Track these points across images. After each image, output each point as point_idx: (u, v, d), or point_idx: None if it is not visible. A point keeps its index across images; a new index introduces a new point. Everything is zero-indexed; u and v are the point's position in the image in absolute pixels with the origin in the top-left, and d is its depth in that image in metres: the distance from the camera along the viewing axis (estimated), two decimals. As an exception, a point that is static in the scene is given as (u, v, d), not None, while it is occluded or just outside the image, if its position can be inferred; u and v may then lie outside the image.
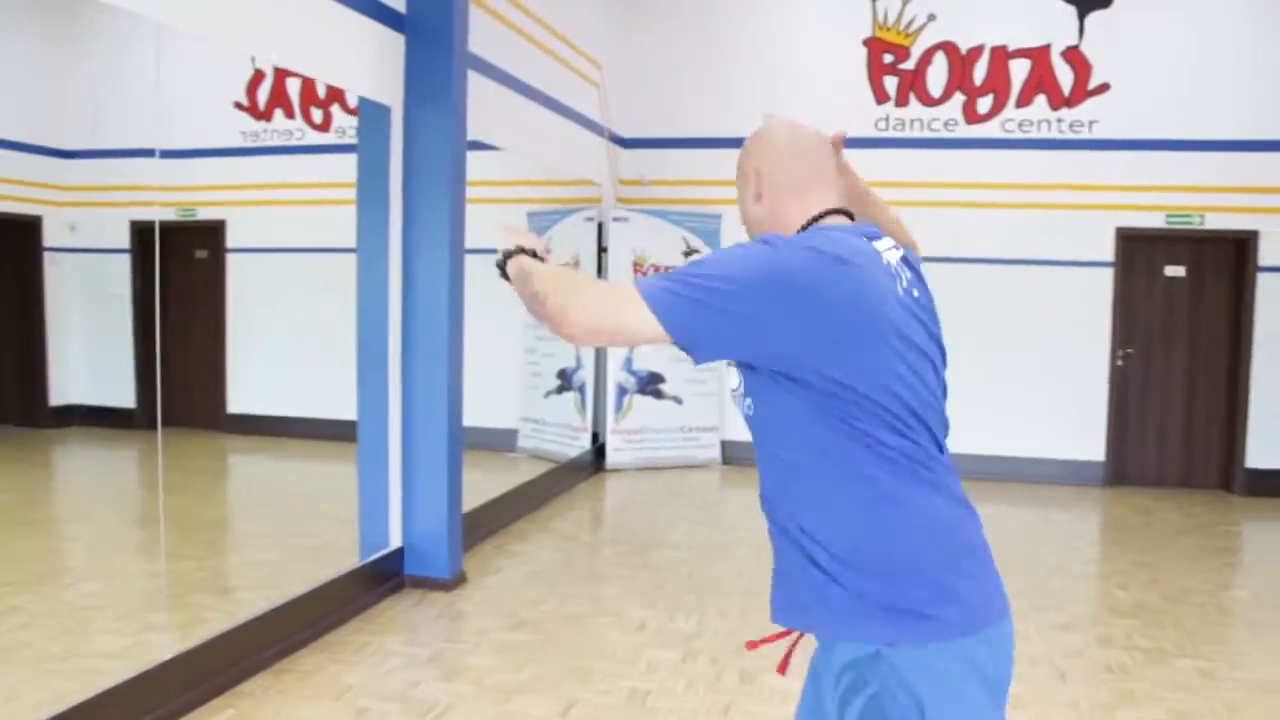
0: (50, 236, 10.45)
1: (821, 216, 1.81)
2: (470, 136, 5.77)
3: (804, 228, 1.80)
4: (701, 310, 1.56)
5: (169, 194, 10.20)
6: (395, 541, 5.43)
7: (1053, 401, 8.80)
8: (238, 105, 9.74)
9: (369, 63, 5.12)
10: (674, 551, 6.37)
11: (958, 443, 2.02)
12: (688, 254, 9.10)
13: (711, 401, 9.20)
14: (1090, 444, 8.79)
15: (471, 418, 8.59)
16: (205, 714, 3.73)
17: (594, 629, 4.85)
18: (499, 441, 9.32)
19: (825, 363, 1.58)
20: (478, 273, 9.27)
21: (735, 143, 8.00)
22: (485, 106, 6.16)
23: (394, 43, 5.26)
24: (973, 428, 8.38)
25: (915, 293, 1.77)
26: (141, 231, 10.40)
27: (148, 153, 10.15)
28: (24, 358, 10.34)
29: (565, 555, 6.36)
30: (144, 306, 10.49)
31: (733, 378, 1.77)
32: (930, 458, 1.65)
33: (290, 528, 6.70)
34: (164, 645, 3.91)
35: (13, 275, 10.33)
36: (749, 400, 1.73)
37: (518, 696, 4.01)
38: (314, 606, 4.70)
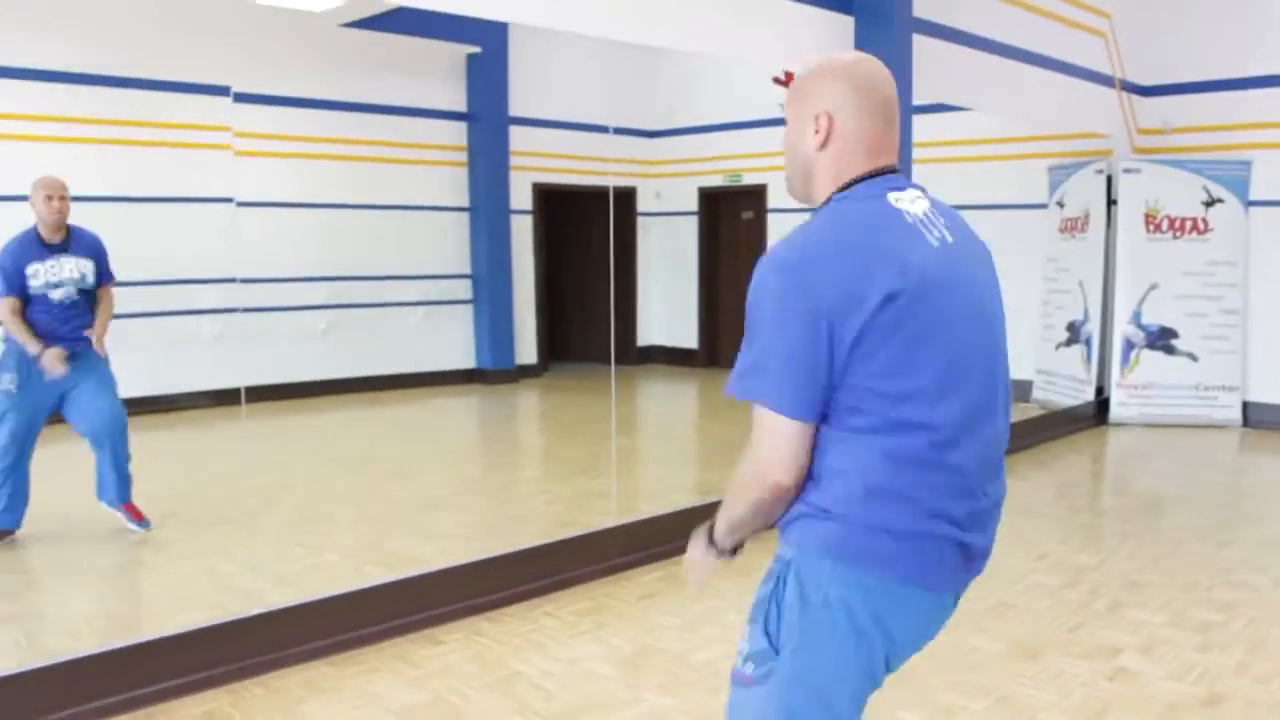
0: (641, 203, 12.49)
1: (866, 177, 1.79)
2: (929, 99, 6.27)
3: (844, 187, 1.79)
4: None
5: (722, 163, 11.68)
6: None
7: None
8: (775, 80, 10.84)
9: (823, 47, 5.86)
10: (1124, 499, 6.43)
11: None
12: (1209, 204, 8.68)
13: (1234, 360, 8.71)
14: None
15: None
16: (637, 572, 4.83)
17: (997, 553, 5.23)
18: (1016, 392, 9.58)
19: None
20: (997, 230, 9.59)
21: (1268, 81, 7.80)
22: (949, 71, 6.60)
23: (845, 25, 5.96)
24: None
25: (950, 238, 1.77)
26: (704, 196, 12.04)
27: (703, 129, 11.75)
28: (620, 306, 12.45)
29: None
30: (703, 260, 12.17)
31: None
32: None
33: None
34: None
35: (616, 237, 12.49)
36: None
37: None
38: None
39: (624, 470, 7.24)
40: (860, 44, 5.96)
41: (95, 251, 5.08)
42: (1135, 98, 9.05)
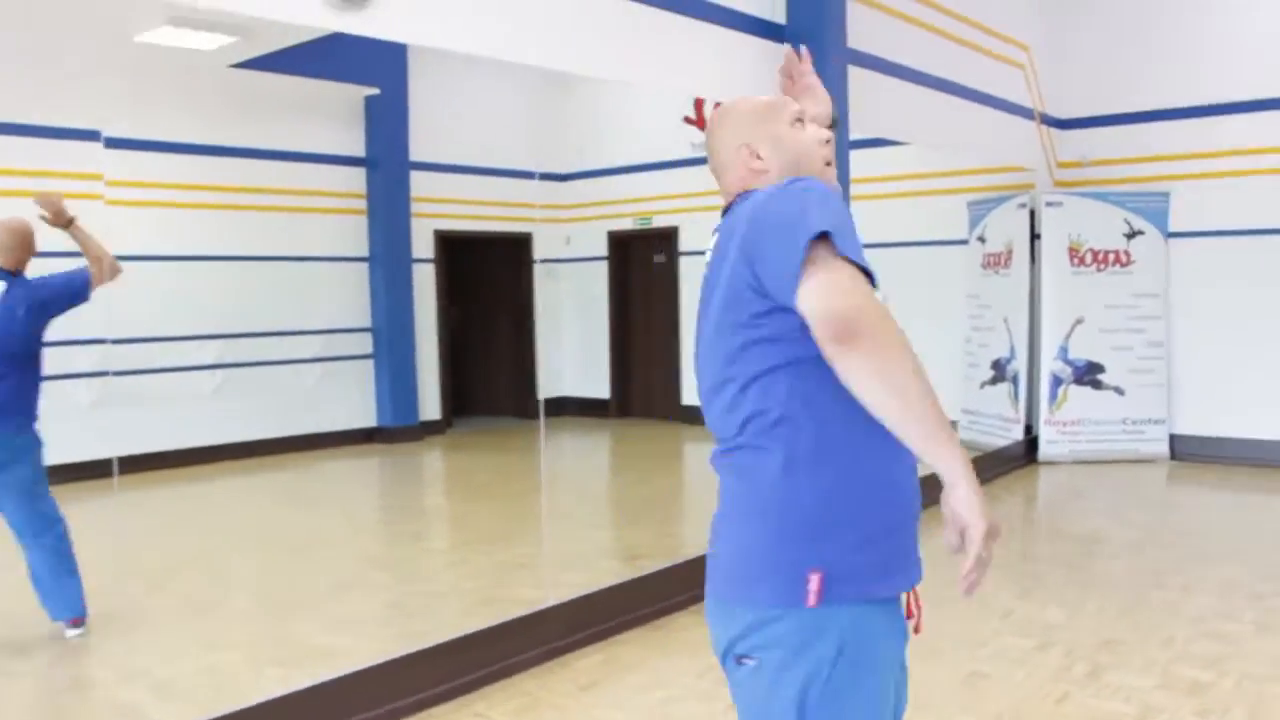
0: (547, 249, 12.01)
1: None
2: (863, 134, 5.97)
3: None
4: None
5: (631, 205, 11.31)
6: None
7: None
8: (686, 119, 10.56)
9: (759, 77, 5.53)
10: (1071, 545, 6.16)
11: None
12: (1130, 235, 8.58)
13: (1159, 393, 8.58)
14: None
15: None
16: (574, 657, 4.31)
17: (954, 613, 4.86)
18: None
19: None
20: (917, 268, 9.38)
21: (1186, 112, 7.64)
22: (880, 103, 6.32)
23: (777, 53, 5.63)
24: None
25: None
26: (614, 240, 11.63)
27: (613, 171, 11.38)
28: (517, 357, 11.91)
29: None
30: (613, 308, 11.74)
31: None
32: None
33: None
34: (559, 597, 4.55)
35: (509, 285, 11.97)
36: None
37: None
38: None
39: (543, 536, 6.76)
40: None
41: None
42: (1055, 131, 8.94)
